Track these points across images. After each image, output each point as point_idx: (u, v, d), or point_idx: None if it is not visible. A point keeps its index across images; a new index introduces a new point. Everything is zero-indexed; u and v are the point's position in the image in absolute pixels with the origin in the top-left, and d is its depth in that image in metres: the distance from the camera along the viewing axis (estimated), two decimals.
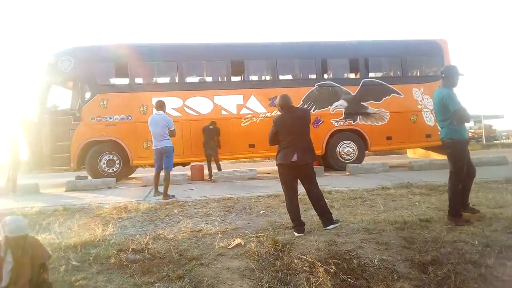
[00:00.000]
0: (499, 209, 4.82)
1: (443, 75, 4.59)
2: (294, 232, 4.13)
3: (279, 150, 4.37)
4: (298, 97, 10.54)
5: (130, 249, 3.76)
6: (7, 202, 7.39)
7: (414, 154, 14.02)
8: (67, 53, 10.17)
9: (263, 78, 11.65)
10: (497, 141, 32.59)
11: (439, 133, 4.69)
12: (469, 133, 18.90)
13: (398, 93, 11.25)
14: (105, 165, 10.17)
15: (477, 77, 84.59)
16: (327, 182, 7.63)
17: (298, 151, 4.20)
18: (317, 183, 4.39)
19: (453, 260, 3.38)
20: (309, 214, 4.83)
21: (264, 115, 10.69)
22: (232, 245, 3.83)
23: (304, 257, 3.44)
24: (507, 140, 34.67)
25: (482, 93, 73.50)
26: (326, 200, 4.52)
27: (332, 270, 3.22)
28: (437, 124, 4.92)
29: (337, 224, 4.27)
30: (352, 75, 11.86)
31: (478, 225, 4.21)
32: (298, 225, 4.18)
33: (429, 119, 11.18)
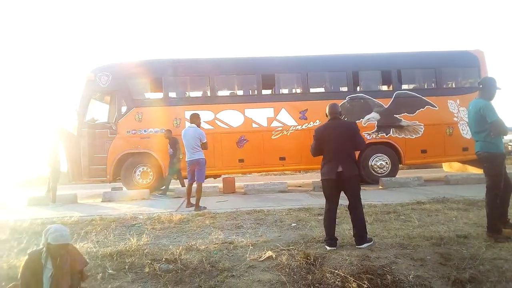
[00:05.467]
0: None
1: (481, 86, 4.47)
2: (326, 246, 4.09)
3: (323, 163, 4.33)
4: None
5: (164, 259, 3.85)
6: (48, 211, 7.73)
7: (450, 168, 13.54)
8: (104, 69, 10.58)
9: (293, 91, 11.65)
10: None
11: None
12: (509, 147, 17.94)
13: (432, 105, 10.97)
14: (139, 177, 10.44)
15: None
16: None
17: (343, 162, 4.16)
18: (360, 199, 4.29)
19: (493, 278, 3.24)
20: (341, 228, 4.78)
21: (294, 128, 10.68)
22: (263, 258, 3.84)
23: (336, 271, 3.40)
24: None
25: None
26: None
27: (365, 286, 3.16)
28: None
29: (370, 243, 4.16)
30: (384, 88, 11.66)
31: None
32: (331, 239, 4.14)
33: (466, 131, 10.79)
